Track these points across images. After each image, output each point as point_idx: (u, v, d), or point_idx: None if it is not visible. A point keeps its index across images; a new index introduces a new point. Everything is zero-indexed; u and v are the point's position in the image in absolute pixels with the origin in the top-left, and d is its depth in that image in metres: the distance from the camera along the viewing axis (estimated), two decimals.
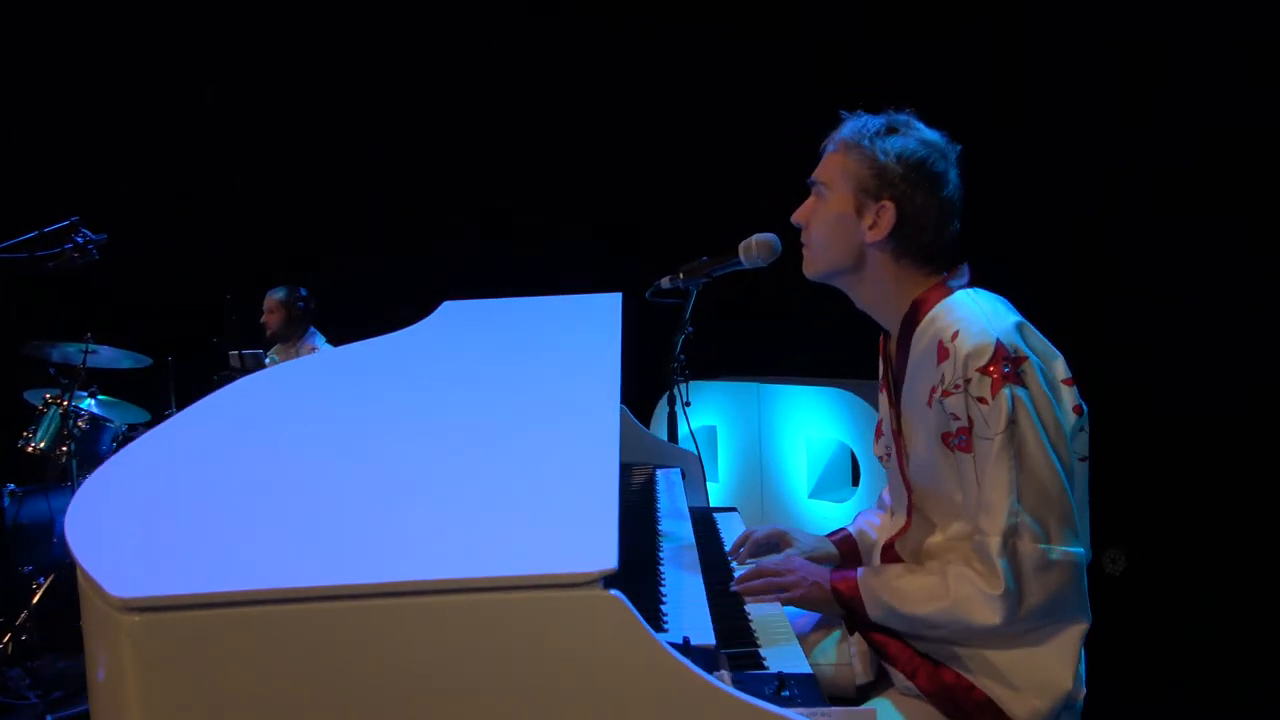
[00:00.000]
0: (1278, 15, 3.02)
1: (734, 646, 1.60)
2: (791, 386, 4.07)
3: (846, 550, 2.12)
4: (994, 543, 1.61)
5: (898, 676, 1.78)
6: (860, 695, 1.88)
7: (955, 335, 1.67)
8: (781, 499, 4.17)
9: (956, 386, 1.65)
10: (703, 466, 2.72)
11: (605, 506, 1.23)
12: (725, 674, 1.38)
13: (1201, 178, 3.23)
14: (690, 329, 2.55)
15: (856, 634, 1.91)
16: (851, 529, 2.17)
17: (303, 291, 4.70)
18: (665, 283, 2.47)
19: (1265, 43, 3.06)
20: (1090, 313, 3.47)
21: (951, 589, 1.65)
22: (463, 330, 2.17)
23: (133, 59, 4.70)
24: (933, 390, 1.71)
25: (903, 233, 1.78)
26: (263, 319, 4.72)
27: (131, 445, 1.52)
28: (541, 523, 1.21)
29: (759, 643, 1.64)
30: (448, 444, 1.51)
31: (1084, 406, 1.75)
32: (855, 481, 4.09)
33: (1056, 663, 1.67)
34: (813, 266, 1.89)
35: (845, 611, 1.80)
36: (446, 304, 2.24)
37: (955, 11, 3.47)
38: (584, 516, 1.21)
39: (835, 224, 1.82)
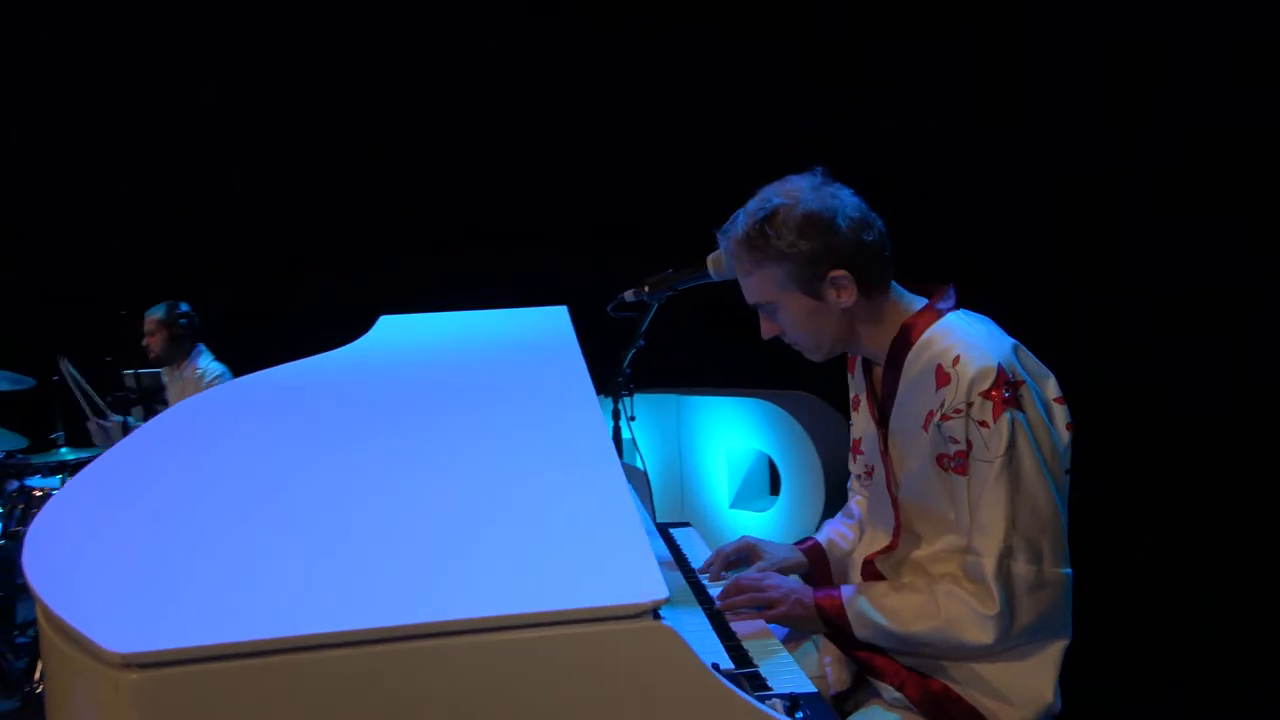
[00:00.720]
0: (1278, 15, 3.02)
1: (739, 668, 1.59)
2: (710, 398, 4.07)
3: (815, 559, 2.13)
4: (989, 564, 1.63)
5: (885, 688, 1.79)
6: (836, 703, 1.88)
7: (957, 360, 1.67)
8: (702, 510, 4.17)
9: (958, 410, 1.66)
10: (649, 483, 2.65)
11: (635, 534, 1.19)
12: (777, 702, 1.39)
13: (1201, 178, 3.23)
14: (642, 343, 2.47)
15: (821, 655, 1.91)
16: (820, 538, 2.16)
17: (183, 308, 4.32)
18: (629, 295, 2.38)
19: (1265, 43, 3.06)
20: (1089, 312, 3.47)
21: (942, 608, 1.67)
22: (410, 347, 2.03)
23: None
24: (930, 415, 1.70)
25: (866, 282, 1.77)
26: (144, 341, 4.33)
27: (81, 475, 1.39)
28: (577, 553, 1.16)
29: (755, 662, 1.63)
30: (444, 471, 1.42)
31: (1073, 423, 1.76)
32: (775, 490, 4.08)
33: (1040, 676, 1.71)
34: (816, 355, 1.88)
35: (830, 629, 1.81)
36: (383, 318, 2.08)
37: (955, 11, 3.46)
38: (618, 545, 1.17)
39: (809, 320, 1.81)
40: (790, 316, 1.82)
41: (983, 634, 1.63)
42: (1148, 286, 3.35)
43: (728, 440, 4.05)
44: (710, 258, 2.20)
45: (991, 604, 1.63)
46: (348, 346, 2.01)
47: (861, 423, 2.00)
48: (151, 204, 4.68)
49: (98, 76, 4.52)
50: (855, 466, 2.07)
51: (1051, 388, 1.76)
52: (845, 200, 1.79)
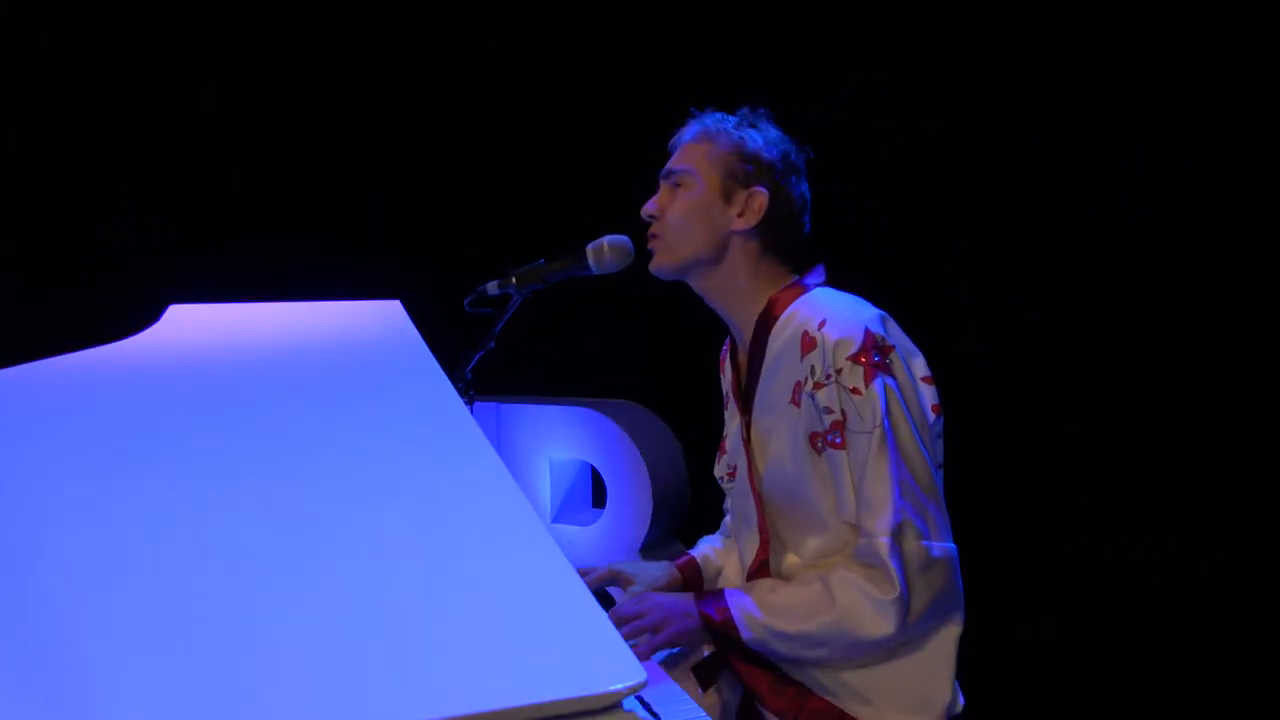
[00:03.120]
0: (1278, 15, 3.02)
1: None
2: (533, 406, 3.92)
3: (690, 575, 2.04)
4: (883, 544, 1.53)
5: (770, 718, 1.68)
6: None
7: (822, 324, 1.63)
8: None
9: (828, 377, 1.59)
10: None
11: (585, 603, 1.05)
12: None
13: (1201, 178, 3.23)
14: (493, 344, 2.18)
15: (710, 689, 1.79)
16: (696, 554, 2.10)
17: None
18: (492, 288, 2.14)
19: (1265, 43, 3.06)
20: (1089, 312, 3.47)
21: (838, 598, 1.55)
22: (217, 346, 1.62)
23: None
24: (798, 385, 1.64)
25: (770, 222, 1.77)
26: None
27: None
28: (528, 633, 1.01)
29: (656, 711, 1.51)
30: (331, 532, 1.19)
31: (941, 407, 1.70)
32: (599, 503, 3.93)
33: (933, 672, 1.58)
34: (667, 256, 1.80)
35: (715, 639, 1.69)
36: (173, 308, 1.72)
37: (955, 11, 3.46)
38: (571, 619, 1.03)
39: (699, 210, 1.77)
40: (685, 197, 1.79)
41: (883, 623, 1.52)
42: (1148, 286, 3.34)
43: (551, 451, 3.89)
44: (590, 247, 2.00)
45: (890, 587, 1.51)
46: (132, 339, 1.59)
47: (729, 421, 1.94)
48: (151, 204, 4.66)
49: (98, 76, 4.51)
50: (719, 468, 1.97)
51: (920, 366, 1.70)
52: (805, 184, 1.85)
